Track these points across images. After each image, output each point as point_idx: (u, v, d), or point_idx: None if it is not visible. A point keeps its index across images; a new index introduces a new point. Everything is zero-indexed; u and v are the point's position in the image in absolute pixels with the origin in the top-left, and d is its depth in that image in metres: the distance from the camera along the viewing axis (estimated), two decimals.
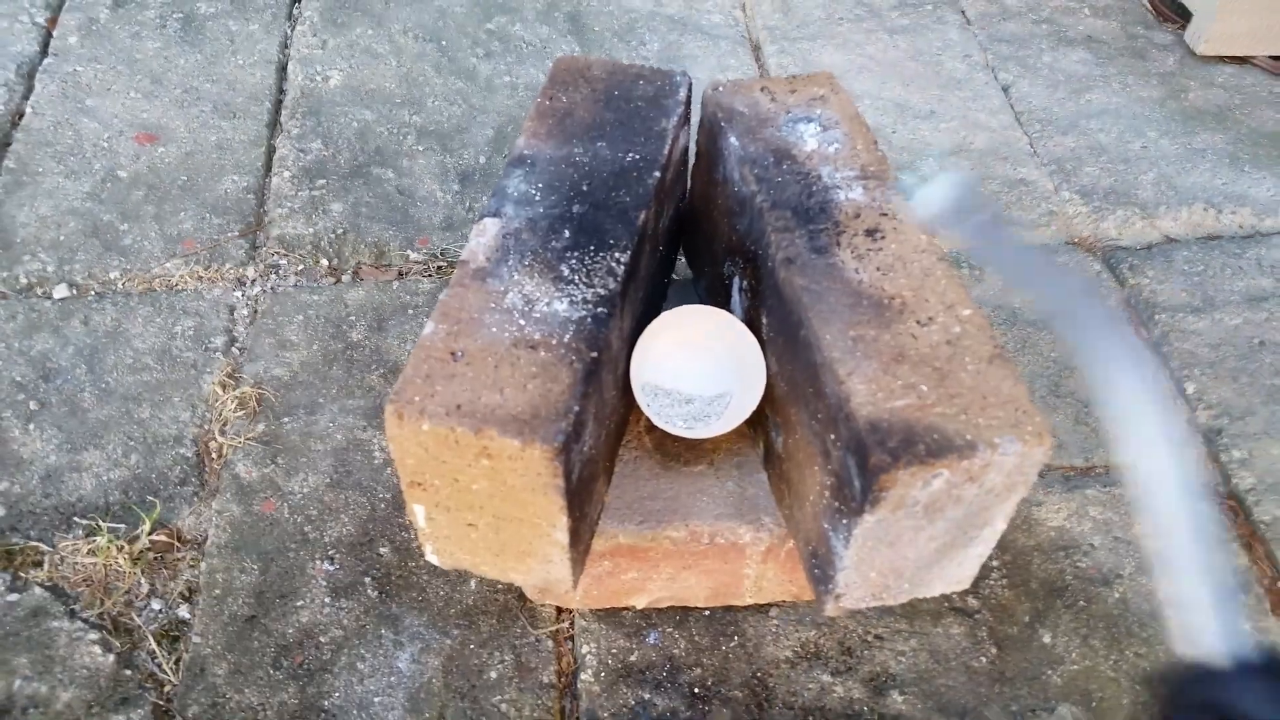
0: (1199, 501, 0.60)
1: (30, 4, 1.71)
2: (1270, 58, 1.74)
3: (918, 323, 0.82)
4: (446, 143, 1.53)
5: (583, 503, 0.85)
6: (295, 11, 1.73)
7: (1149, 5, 1.85)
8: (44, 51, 1.65)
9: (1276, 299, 1.39)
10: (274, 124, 1.55)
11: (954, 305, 0.83)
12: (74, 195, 1.45)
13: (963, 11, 1.81)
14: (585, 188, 0.93)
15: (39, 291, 1.35)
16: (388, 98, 1.59)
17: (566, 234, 0.89)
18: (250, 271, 1.36)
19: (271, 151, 1.51)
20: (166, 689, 1.02)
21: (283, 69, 1.64)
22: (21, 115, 1.55)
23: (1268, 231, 1.49)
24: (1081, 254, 1.44)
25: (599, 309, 0.83)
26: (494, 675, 1.02)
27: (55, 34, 1.68)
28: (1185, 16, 1.79)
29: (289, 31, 1.70)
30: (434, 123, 1.56)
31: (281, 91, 1.60)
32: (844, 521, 0.80)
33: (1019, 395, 0.77)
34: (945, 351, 0.80)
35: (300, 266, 1.37)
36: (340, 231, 1.41)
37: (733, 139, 0.97)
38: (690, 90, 1.04)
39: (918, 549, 0.83)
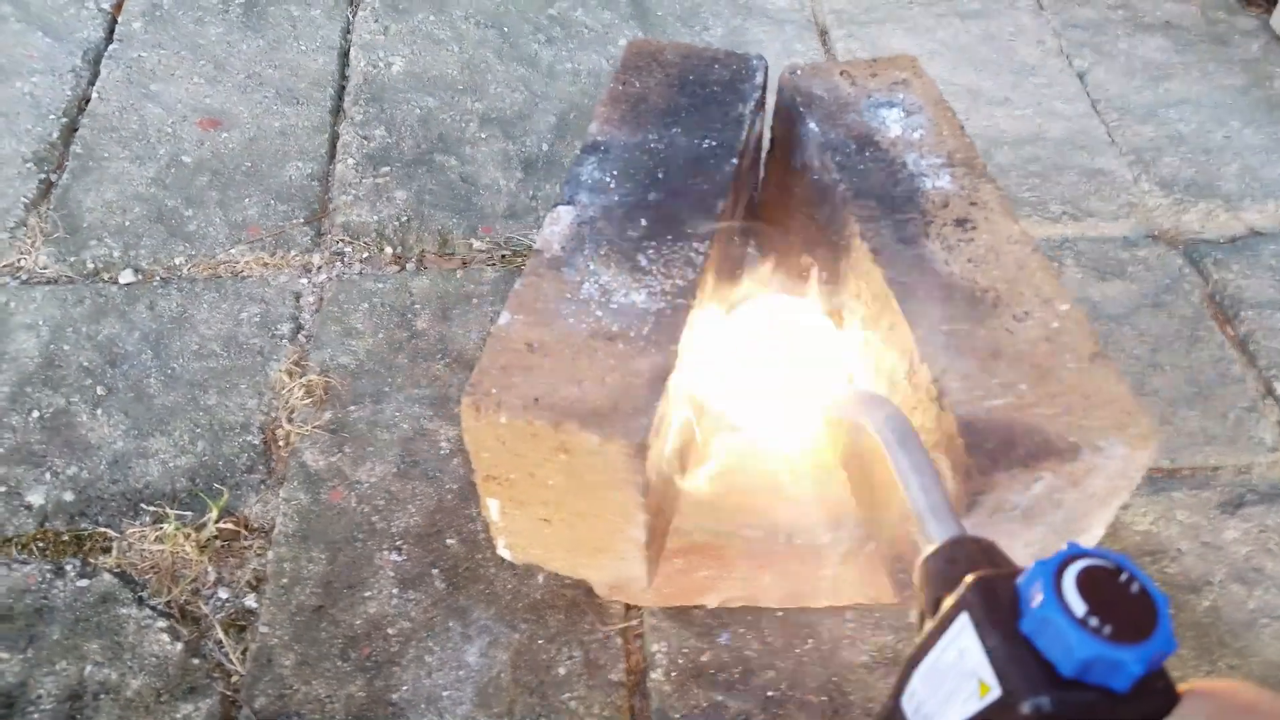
0: None
1: None
2: None
3: (1014, 318, 0.79)
4: (509, 130, 1.51)
5: (661, 500, 0.83)
6: None
7: None
8: (109, 38, 1.66)
9: None
10: (337, 110, 1.54)
11: (1051, 300, 0.80)
12: (139, 180, 1.45)
13: None
14: (661, 175, 0.91)
15: (105, 276, 1.35)
16: (450, 84, 1.57)
17: (643, 222, 0.86)
18: (316, 258, 1.35)
19: (335, 138, 1.50)
20: (234, 679, 1.01)
21: (345, 55, 1.63)
22: (88, 101, 1.56)
23: None
24: (1163, 247, 1.39)
25: (678, 300, 0.81)
26: (563, 671, 1.00)
27: (120, 20, 1.68)
28: (1271, 0, 1.72)
29: (351, 17, 1.69)
30: (496, 110, 1.54)
31: (344, 78, 1.59)
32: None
33: (1123, 395, 0.74)
34: (1044, 348, 0.77)
35: (365, 254, 1.36)
36: (404, 219, 1.39)
37: (812, 125, 0.94)
38: (766, 74, 1.01)
39: (1013, 555, 0.79)
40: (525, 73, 1.60)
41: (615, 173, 0.91)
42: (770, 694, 0.98)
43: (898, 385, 0.81)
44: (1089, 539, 0.80)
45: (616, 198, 0.89)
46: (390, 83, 1.57)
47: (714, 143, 0.93)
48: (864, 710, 0.97)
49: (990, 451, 0.70)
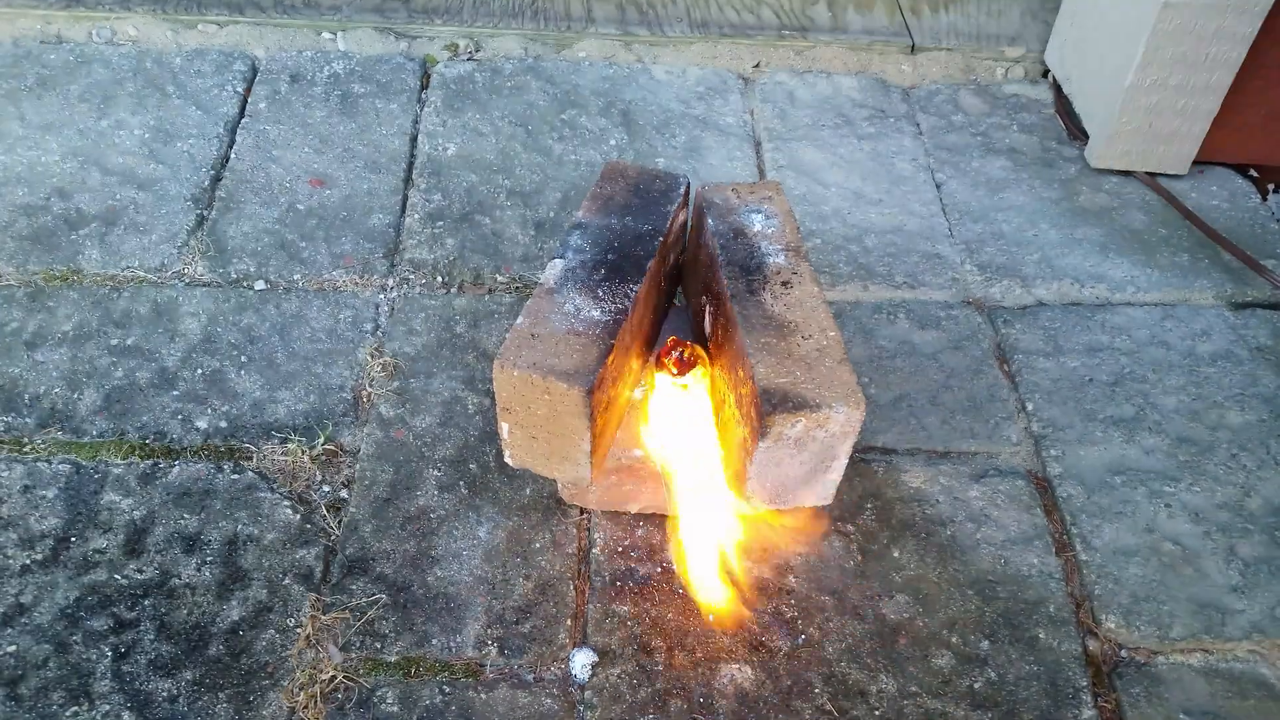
0: None
1: (232, 77, 2.37)
2: (1147, 173, 2.30)
3: (802, 337, 1.41)
4: (527, 201, 2.15)
5: (600, 428, 1.45)
6: (423, 97, 2.37)
7: (1064, 125, 2.43)
8: (241, 113, 2.30)
9: (1108, 351, 1.95)
10: (407, 179, 2.18)
11: (825, 329, 1.42)
12: (266, 220, 2.08)
13: (918, 124, 2.41)
14: (616, 244, 1.53)
15: (244, 285, 1.97)
16: (488, 166, 2.21)
17: (602, 271, 1.49)
18: (390, 282, 1.98)
19: (405, 199, 2.14)
20: (332, 538, 1.62)
21: (414, 139, 2.27)
22: (228, 160, 2.20)
23: (1116, 303, 2.05)
24: (971, 310, 2.01)
25: (618, 316, 1.43)
26: (538, 545, 1.61)
27: (249, 100, 2.33)
28: (1088, 136, 2.36)
29: (419, 111, 2.34)
30: (519, 186, 2.18)
31: (413, 156, 2.23)
32: (751, 448, 1.38)
33: (851, 382, 1.36)
34: (814, 355, 1.39)
35: (423, 281, 1.99)
36: (451, 259, 2.02)
37: (710, 220, 1.56)
38: (688, 187, 1.64)
39: (794, 469, 1.41)
40: (541, 160, 2.24)
41: (589, 241, 1.54)
42: (664, 565, 1.59)
43: (732, 376, 1.43)
44: (838, 465, 1.41)
45: (589, 255, 1.51)
46: (446, 162, 2.21)
47: (650, 227, 1.56)
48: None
49: (774, 404, 1.32)
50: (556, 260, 1.51)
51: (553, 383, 1.35)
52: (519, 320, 1.42)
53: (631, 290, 1.46)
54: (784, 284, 1.48)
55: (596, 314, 1.43)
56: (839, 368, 1.38)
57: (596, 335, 1.40)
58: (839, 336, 1.42)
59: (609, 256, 1.51)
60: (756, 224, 1.56)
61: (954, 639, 1.54)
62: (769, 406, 1.32)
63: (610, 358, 1.39)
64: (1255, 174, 2.34)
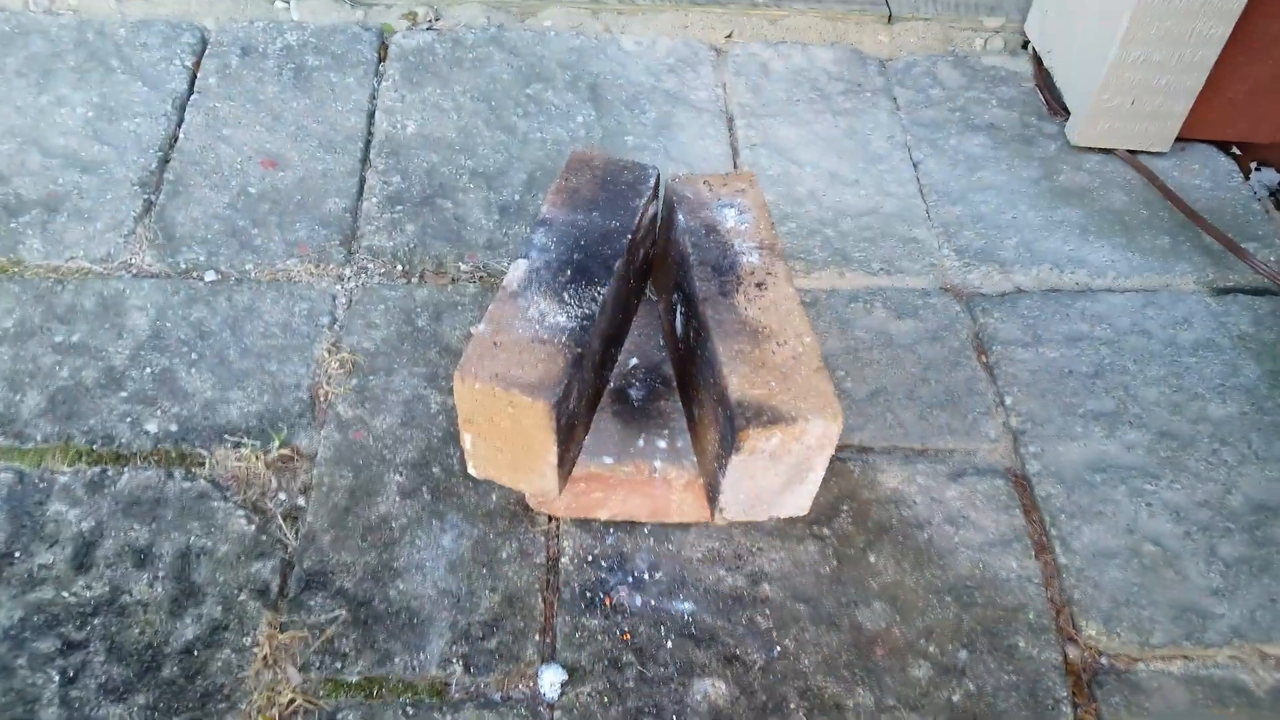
0: None
1: (180, 50, 2.25)
2: (1127, 151, 2.25)
3: (777, 344, 1.35)
4: (491, 183, 2.06)
5: (567, 440, 1.39)
6: (381, 69, 2.26)
7: (1044, 100, 2.36)
8: (190, 89, 2.19)
9: (1088, 340, 1.90)
10: (365, 160, 2.08)
11: (801, 335, 1.36)
12: (217, 205, 1.98)
13: (895, 99, 2.33)
14: (583, 243, 1.46)
15: (194, 275, 1.88)
16: (449, 145, 2.12)
17: (568, 273, 1.42)
18: (347, 271, 1.90)
19: (363, 181, 2.05)
20: (289, 549, 1.55)
21: (371, 116, 2.17)
22: (176, 140, 2.09)
23: (1096, 289, 2.00)
24: (949, 298, 1.96)
25: (584, 322, 1.36)
26: (504, 555, 1.55)
27: (199, 75, 2.21)
28: (1069, 112, 2.30)
29: (376, 85, 2.23)
30: (482, 166, 2.09)
31: (370, 134, 2.14)
32: (724, 461, 1.33)
33: (828, 392, 1.30)
34: (790, 363, 1.33)
35: (382, 270, 1.90)
36: (411, 246, 1.94)
37: (680, 215, 1.49)
38: (659, 179, 1.57)
39: (769, 481, 1.36)
40: (505, 139, 2.15)
41: (555, 239, 1.46)
42: (635, 574, 1.54)
43: (705, 384, 1.36)
44: (814, 476, 1.36)
45: (554, 255, 1.44)
46: (405, 141, 2.12)
47: (617, 224, 1.49)
48: (694, 586, 1.53)
49: (748, 418, 1.26)
50: (520, 261, 1.43)
51: (516, 395, 1.28)
52: (480, 327, 1.35)
53: (599, 294, 1.39)
54: (758, 285, 1.42)
55: (562, 319, 1.36)
56: (815, 376, 1.32)
57: (562, 344, 1.33)
58: (815, 342, 1.36)
59: (575, 256, 1.44)
60: (730, 220, 1.49)
61: (932, 648, 1.50)
62: (743, 421, 1.26)
63: (576, 367, 1.32)
64: (1238, 152, 2.29)
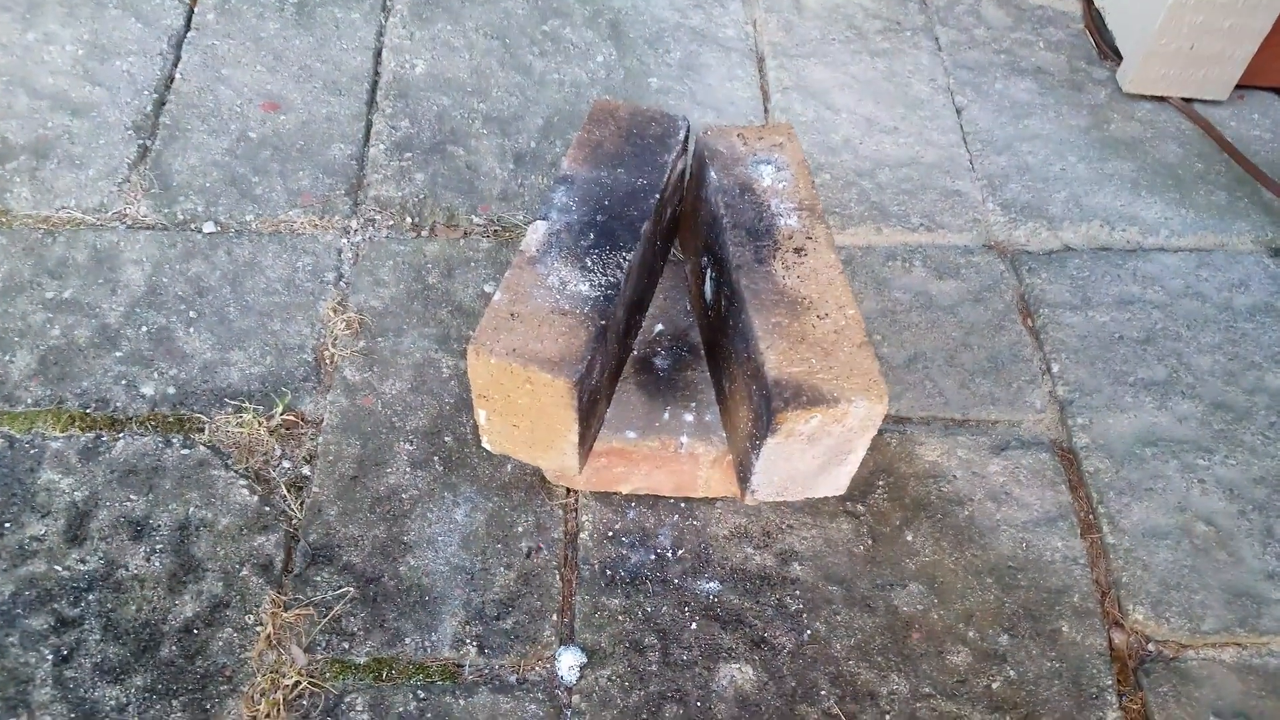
0: None
1: None
2: (1182, 99, 2.11)
3: (818, 316, 1.24)
4: (505, 128, 1.94)
5: (589, 416, 1.29)
6: (388, 4, 2.12)
7: (1094, 43, 2.21)
8: (188, 26, 2.06)
9: (1140, 303, 1.79)
10: (371, 102, 1.96)
11: (844, 306, 1.25)
12: (215, 151, 1.87)
13: (936, 38, 2.19)
14: (607, 203, 1.35)
15: (192, 227, 1.78)
16: (461, 86, 1.99)
17: (591, 236, 1.31)
18: (353, 223, 1.79)
19: (369, 126, 1.93)
20: (294, 522, 1.47)
21: (378, 55, 2.04)
22: (173, 80, 1.97)
23: (1149, 248, 1.89)
24: (993, 256, 1.84)
25: (608, 291, 1.26)
26: (520, 529, 1.47)
27: (196, 11, 2.08)
28: (1120, 57, 2.15)
29: (383, 21, 2.10)
30: (496, 110, 1.97)
31: (377, 74, 2.01)
32: (758, 442, 1.23)
33: (873, 370, 1.20)
34: (832, 338, 1.22)
35: (390, 222, 1.80)
36: (421, 196, 1.83)
37: (712, 173, 1.38)
38: (688, 131, 1.45)
39: (805, 464, 1.26)
40: (521, 80, 2.02)
41: (576, 199, 1.35)
42: (658, 552, 1.46)
43: (737, 357, 1.27)
44: (854, 457, 1.27)
45: (575, 217, 1.33)
46: (414, 82, 1.99)
47: (645, 181, 1.37)
48: (720, 565, 1.45)
49: (786, 399, 1.16)
50: (539, 222, 1.32)
51: (535, 372, 1.19)
52: (496, 296, 1.25)
53: (624, 260, 1.29)
54: (797, 250, 1.31)
55: (584, 289, 1.26)
56: (859, 353, 1.22)
57: (584, 315, 1.23)
58: (859, 315, 1.25)
59: (598, 218, 1.33)
60: (766, 178, 1.38)
61: (971, 633, 1.42)
62: (781, 402, 1.16)
63: (599, 341, 1.22)
64: None
